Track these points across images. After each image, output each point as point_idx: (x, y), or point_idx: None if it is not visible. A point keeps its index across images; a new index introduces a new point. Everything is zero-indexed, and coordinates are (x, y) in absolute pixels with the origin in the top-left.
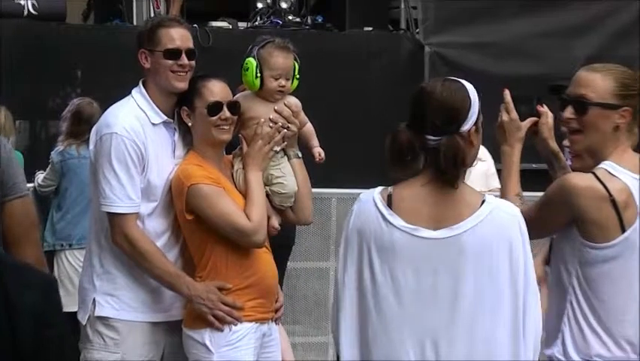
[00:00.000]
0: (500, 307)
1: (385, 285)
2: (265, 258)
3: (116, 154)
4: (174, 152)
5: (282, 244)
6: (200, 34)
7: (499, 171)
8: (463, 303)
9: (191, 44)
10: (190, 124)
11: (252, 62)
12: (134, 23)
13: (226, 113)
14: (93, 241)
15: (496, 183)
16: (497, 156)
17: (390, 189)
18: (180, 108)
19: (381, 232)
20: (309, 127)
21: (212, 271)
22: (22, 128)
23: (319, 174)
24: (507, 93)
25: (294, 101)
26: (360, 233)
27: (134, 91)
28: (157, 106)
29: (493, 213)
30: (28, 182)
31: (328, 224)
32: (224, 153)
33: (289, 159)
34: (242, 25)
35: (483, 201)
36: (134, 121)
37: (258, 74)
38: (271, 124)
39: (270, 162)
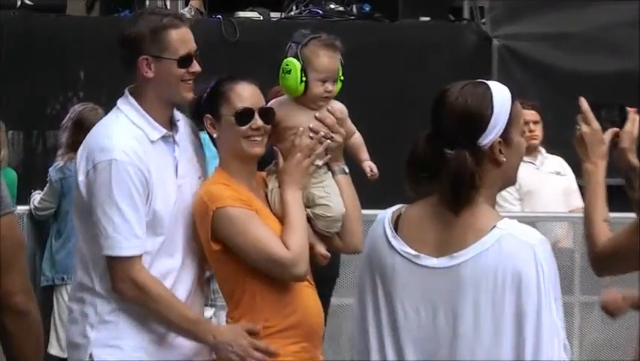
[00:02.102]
0: (499, 350)
1: (386, 316)
2: (308, 293)
3: (118, 185)
4: (177, 171)
5: (325, 275)
6: (225, 27)
7: (581, 188)
8: (462, 342)
9: (194, 44)
10: (215, 135)
11: (294, 63)
12: None
13: (258, 121)
14: (83, 288)
15: (578, 202)
16: (578, 171)
17: (403, 208)
18: (203, 116)
19: (384, 257)
20: (357, 137)
21: (246, 311)
22: (15, 139)
23: (369, 193)
24: (583, 101)
25: (338, 106)
26: (369, 256)
27: (120, 103)
28: (154, 119)
29: (501, 240)
30: (24, 203)
31: None
32: (257, 169)
33: (334, 175)
34: (274, 15)
35: (494, 227)
36: (132, 142)
37: (303, 78)
38: (312, 134)
39: (312, 180)
